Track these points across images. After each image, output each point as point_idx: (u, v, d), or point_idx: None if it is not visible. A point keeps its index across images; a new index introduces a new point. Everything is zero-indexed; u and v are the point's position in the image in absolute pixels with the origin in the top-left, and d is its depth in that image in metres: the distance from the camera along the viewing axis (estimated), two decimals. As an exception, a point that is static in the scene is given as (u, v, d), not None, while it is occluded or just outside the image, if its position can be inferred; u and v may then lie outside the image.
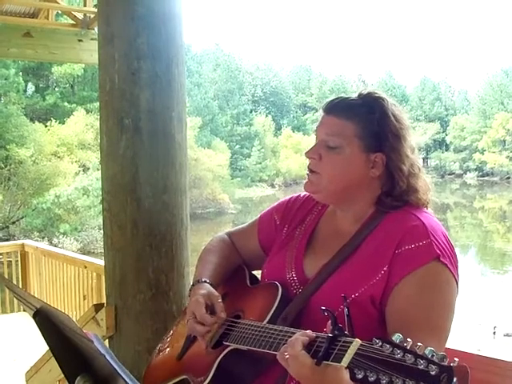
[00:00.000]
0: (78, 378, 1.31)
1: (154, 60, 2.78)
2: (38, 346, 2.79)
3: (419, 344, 1.17)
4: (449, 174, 70.26)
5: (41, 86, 41.77)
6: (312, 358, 1.35)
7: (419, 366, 1.13)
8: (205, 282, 1.96)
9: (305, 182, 1.85)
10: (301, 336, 1.42)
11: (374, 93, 1.84)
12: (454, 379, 1.10)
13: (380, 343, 1.21)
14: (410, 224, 1.68)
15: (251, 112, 65.17)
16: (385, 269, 1.64)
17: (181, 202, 2.89)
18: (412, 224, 1.68)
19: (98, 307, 3.10)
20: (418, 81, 79.82)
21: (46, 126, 32.21)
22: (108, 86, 2.83)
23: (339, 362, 1.27)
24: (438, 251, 1.62)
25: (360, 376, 1.21)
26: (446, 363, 1.12)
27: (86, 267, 5.95)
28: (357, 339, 1.27)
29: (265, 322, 1.70)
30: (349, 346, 1.27)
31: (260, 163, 56.32)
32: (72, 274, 6.26)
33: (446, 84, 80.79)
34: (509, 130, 64.23)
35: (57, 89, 41.30)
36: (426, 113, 75.16)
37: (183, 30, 2.92)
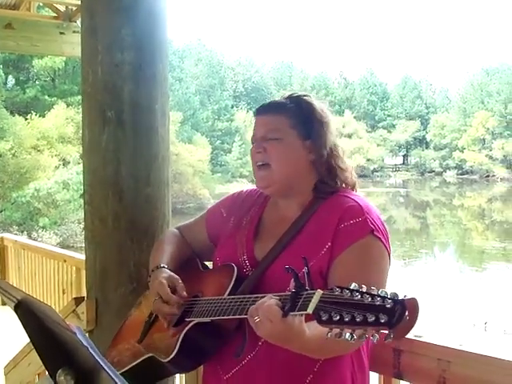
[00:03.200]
0: (59, 371, 1.30)
1: (138, 52, 2.77)
2: (18, 339, 2.76)
3: (373, 288, 1.32)
4: (429, 172, 70.79)
5: (21, 78, 41.34)
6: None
7: (376, 303, 1.29)
8: (163, 267, 2.12)
9: (256, 180, 2.04)
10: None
11: (298, 92, 2.11)
12: (406, 311, 1.27)
13: (340, 290, 1.36)
14: (347, 205, 1.91)
15: (232, 107, 65.19)
16: (329, 243, 1.86)
17: (163, 196, 2.88)
18: (349, 204, 1.91)
19: (78, 300, 3.08)
20: (400, 79, 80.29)
21: (26, 119, 31.86)
22: (91, 78, 2.81)
23: (305, 311, 1.43)
24: (372, 226, 1.86)
25: (325, 318, 1.35)
26: (398, 298, 1.28)
27: (65, 261, 5.93)
28: (318, 290, 1.43)
29: (224, 296, 1.86)
30: (312, 297, 1.43)
31: (241, 159, 56.28)
32: (51, 268, 6.24)
33: (427, 82, 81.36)
34: (488, 128, 64.88)
35: (37, 82, 40.95)
36: (407, 110, 75.58)
37: (167, 22, 2.90)
